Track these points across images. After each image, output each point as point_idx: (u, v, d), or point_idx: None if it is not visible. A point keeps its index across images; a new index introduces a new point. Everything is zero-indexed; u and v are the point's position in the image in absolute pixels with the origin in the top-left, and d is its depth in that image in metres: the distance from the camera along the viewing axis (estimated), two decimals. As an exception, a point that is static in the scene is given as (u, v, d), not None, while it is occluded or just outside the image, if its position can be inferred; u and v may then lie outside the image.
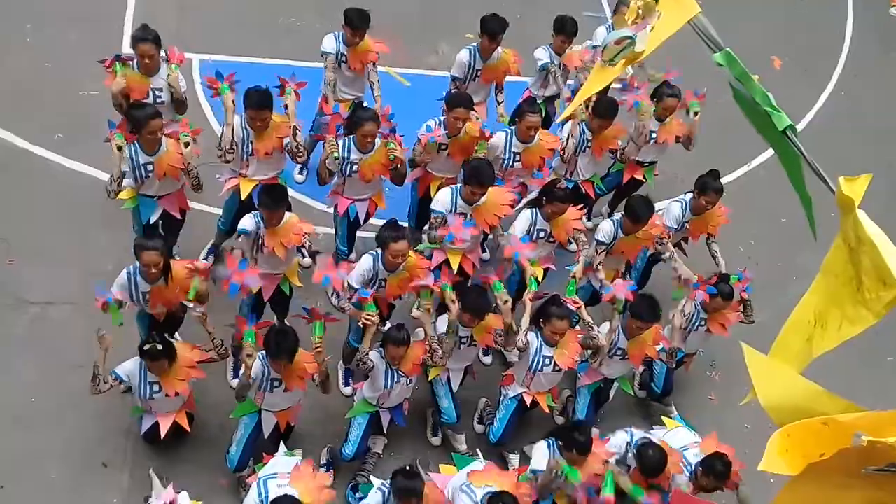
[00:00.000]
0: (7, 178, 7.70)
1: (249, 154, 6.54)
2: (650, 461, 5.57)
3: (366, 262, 6.14)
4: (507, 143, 7.06)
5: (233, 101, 6.37)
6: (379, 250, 6.12)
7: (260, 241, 6.10)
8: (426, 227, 6.80)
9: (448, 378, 6.46)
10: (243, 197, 6.61)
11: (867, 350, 7.02)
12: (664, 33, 2.15)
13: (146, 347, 5.46)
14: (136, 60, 6.62)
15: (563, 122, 7.30)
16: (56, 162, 7.89)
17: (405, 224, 6.50)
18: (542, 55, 7.81)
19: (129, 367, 5.66)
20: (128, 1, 9.22)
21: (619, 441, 6.02)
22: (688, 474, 5.76)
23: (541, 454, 5.77)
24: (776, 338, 1.88)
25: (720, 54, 2.01)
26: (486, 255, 8.02)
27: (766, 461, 1.62)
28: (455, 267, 6.75)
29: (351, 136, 6.61)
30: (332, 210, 7.18)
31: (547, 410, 6.56)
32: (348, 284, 6.00)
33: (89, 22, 8.86)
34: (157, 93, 6.72)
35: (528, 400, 6.44)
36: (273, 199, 5.99)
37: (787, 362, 1.81)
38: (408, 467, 5.22)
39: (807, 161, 1.91)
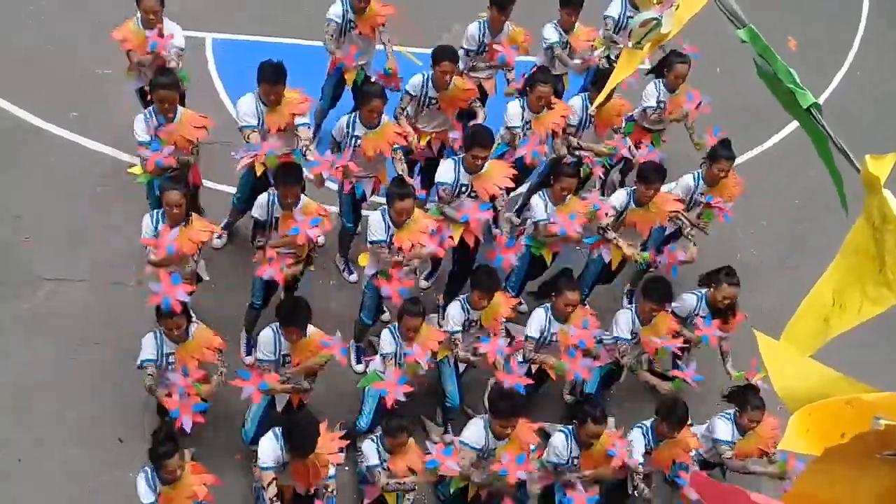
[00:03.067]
0: (21, 156, 7.73)
1: (265, 132, 6.51)
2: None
3: (376, 217, 6.20)
4: (523, 113, 7.06)
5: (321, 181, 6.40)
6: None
7: (273, 222, 6.11)
8: (433, 199, 6.83)
9: (455, 360, 6.48)
10: (258, 174, 6.60)
11: (892, 339, 7.04)
12: (690, 11, 2.14)
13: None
14: (139, 17, 6.70)
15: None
16: (70, 140, 7.91)
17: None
18: (551, 34, 7.77)
19: (148, 343, 5.67)
20: None
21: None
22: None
23: (559, 442, 5.84)
24: (790, 318, 1.88)
25: (744, 31, 2.00)
26: (498, 231, 8.01)
27: (787, 440, 1.62)
28: (457, 239, 6.77)
29: (356, 112, 6.65)
30: (336, 187, 7.18)
31: (554, 377, 6.57)
32: (369, 241, 6.18)
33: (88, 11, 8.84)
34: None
35: (533, 368, 6.44)
36: (288, 177, 6.01)
37: (803, 343, 1.79)
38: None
39: (832, 139, 1.91)
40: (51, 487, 6.02)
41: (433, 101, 7.06)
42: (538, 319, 6.30)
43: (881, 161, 1.68)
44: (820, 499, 1.61)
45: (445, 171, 6.59)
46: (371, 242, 6.20)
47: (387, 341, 5.98)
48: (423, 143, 7.25)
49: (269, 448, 5.30)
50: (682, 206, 6.99)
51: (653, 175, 6.69)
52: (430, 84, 7.00)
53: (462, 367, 6.58)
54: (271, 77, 6.28)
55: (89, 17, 8.65)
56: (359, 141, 6.62)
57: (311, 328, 5.79)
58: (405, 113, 7.07)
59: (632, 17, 6.83)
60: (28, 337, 6.72)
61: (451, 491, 6.01)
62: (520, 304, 7.16)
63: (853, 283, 1.72)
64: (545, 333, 6.31)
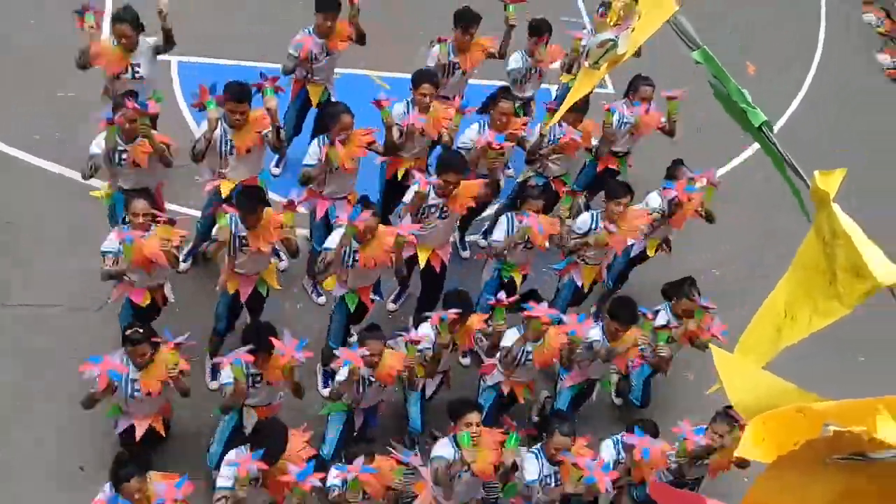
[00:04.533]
0: (9, 169, 7.65)
1: (229, 153, 6.52)
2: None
3: (336, 234, 6.15)
4: (481, 133, 7.09)
5: (216, 119, 6.36)
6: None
7: (237, 242, 6.09)
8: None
9: (423, 385, 6.46)
10: (223, 195, 6.60)
11: (839, 350, 7.16)
12: (644, 33, 2.19)
13: (128, 332, 5.46)
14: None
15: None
16: (34, 165, 7.82)
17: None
18: (514, 62, 7.89)
19: (116, 362, 5.61)
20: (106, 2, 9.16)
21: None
22: None
23: (531, 465, 5.82)
24: (744, 332, 1.92)
25: (698, 52, 2.06)
26: (467, 254, 8.08)
27: (742, 448, 1.66)
28: (423, 262, 6.77)
29: (323, 135, 6.67)
30: (307, 210, 7.14)
31: (522, 401, 6.60)
32: (323, 248, 6.13)
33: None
34: (135, 68, 6.78)
35: (505, 389, 6.47)
36: (249, 201, 6.00)
37: (757, 352, 1.85)
38: None
39: (782, 156, 1.96)
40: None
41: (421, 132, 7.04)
42: (511, 337, 6.28)
43: (830, 176, 1.73)
44: None
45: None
46: (324, 248, 6.14)
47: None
48: (401, 173, 7.22)
49: (231, 465, 5.21)
50: (650, 219, 7.06)
51: (619, 190, 6.77)
52: (412, 110, 6.98)
53: (430, 391, 6.56)
54: (237, 96, 6.28)
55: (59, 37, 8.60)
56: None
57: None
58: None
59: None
60: (13, 354, 6.62)
61: None
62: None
63: (804, 295, 1.77)
64: (520, 354, 6.31)
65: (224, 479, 5.22)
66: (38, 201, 7.56)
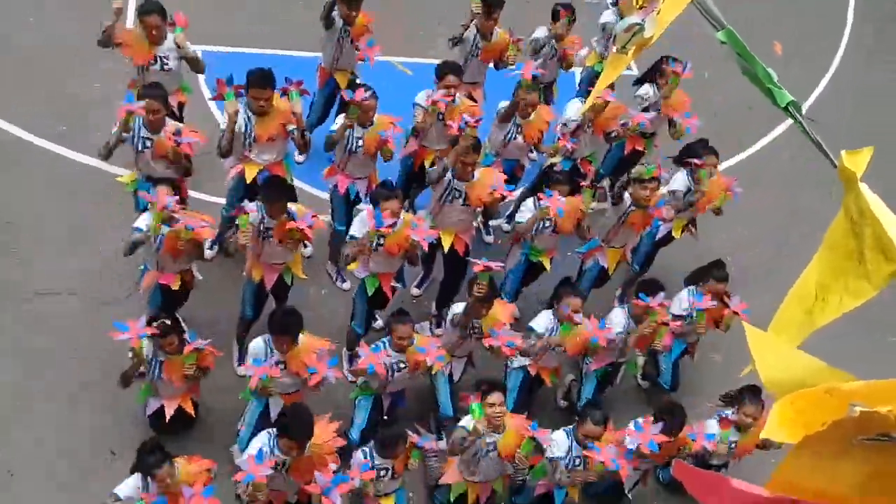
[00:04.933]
0: (9, 169, 7.72)
1: (252, 141, 6.55)
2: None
3: (360, 222, 6.18)
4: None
5: (235, 112, 6.39)
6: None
7: (263, 233, 6.13)
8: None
9: (450, 370, 6.50)
10: (248, 180, 6.64)
11: (869, 330, 7.10)
12: (670, 15, 2.18)
13: (155, 326, 5.54)
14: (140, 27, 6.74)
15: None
16: (58, 153, 7.91)
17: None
18: (539, 31, 7.87)
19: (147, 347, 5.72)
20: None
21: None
22: None
23: (561, 442, 5.86)
24: (777, 310, 1.91)
25: (723, 32, 2.04)
26: (491, 239, 8.08)
27: (768, 429, 1.65)
28: (447, 246, 6.79)
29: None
30: (327, 195, 7.20)
31: (549, 384, 6.63)
32: (349, 237, 6.17)
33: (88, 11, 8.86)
34: (163, 60, 6.84)
35: (532, 372, 6.48)
36: (274, 192, 6.05)
37: (788, 334, 1.84)
38: None
39: (809, 136, 1.95)
40: (41, 502, 5.99)
41: (441, 117, 7.03)
42: (546, 319, 6.34)
43: (857, 156, 1.72)
44: (801, 485, 1.64)
45: (437, 175, 6.62)
46: (350, 237, 6.19)
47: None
48: (428, 162, 7.25)
49: (259, 442, 5.29)
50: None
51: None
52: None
53: (457, 375, 6.59)
54: (259, 82, 6.31)
55: (76, 31, 8.66)
56: (360, 141, 6.68)
57: (303, 337, 5.80)
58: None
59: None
60: (18, 350, 6.70)
61: (452, 499, 6.05)
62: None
63: (835, 276, 1.76)
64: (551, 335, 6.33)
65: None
66: (38, 200, 7.60)
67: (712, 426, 6.18)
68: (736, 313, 6.62)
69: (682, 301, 6.77)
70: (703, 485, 1.80)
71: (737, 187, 7.21)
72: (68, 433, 6.32)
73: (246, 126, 6.48)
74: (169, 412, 5.97)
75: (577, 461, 5.84)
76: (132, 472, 5.16)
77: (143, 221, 5.99)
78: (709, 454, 6.09)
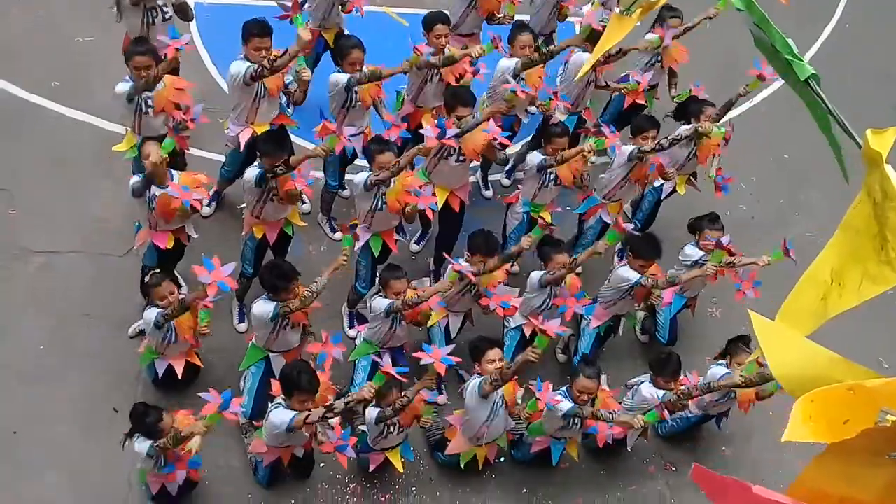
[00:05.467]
0: (5, 128, 7.62)
1: (262, 96, 6.48)
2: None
3: (363, 174, 6.16)
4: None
5: (308, 40, 6.15)
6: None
7: (267, 194, 6.08)
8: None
9: (447, 325, 6.50)
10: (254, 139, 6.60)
11: (890, 322, 7.08)
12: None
13: (148, 278, 5.60)
14: None
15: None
16: (53, 110, 7.80)
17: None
18: None
19: (149, 315, 5.73)
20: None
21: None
22: None
23: (563, 402, 5.85)
24: (787, 297, 1.82)
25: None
26: (489, 194, 8.04)
27: (791, 430, 1.55)
28: (441, 202, 6.73)
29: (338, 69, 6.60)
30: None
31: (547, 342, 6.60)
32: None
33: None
34: (164, 9, 6.80)
35: (528, 331, 6.48)
36: (273, 145, 5.98)
37: (800, 323, 1.74)
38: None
39: (831, 113, 1.88)
40: (45, 459, 6.03)
41: (436, 74, 6.92)
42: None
43: (882, 136, 1.65)
44: (825, 492, 1.60)
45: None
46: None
47: (381, 303, 5.97)
48: (426, 122, 7.04)
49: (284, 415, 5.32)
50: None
51: (645, 123, 6.70)
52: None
53: (454, 331, 6.59)
54: (258, 31, 6.23)
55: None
56: (356, 95, 6.61)
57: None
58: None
59: None
60: (21, 310, 6.70)
61: (462, 464, 6.12)
62: (512, 266, 7.14)
63: (853, 261, 1.68)
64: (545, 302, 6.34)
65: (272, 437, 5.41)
66: (34, 158, 7.55)
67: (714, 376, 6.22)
68: (745, 293, 6.52)
69: (692, 254, 6.75)
70: (722, 490, 1.73)
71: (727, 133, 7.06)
72: (76, 384, 6.35)
73: (258, 84, 6.39)
74: (179, 370, 5.98)
75: (576, 419, 5.89)
76: (130, 436, 5.26)
77: (137, 181, 5.94)
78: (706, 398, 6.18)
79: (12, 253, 6.98)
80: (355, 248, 6.35)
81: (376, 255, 6.51)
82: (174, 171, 6.00)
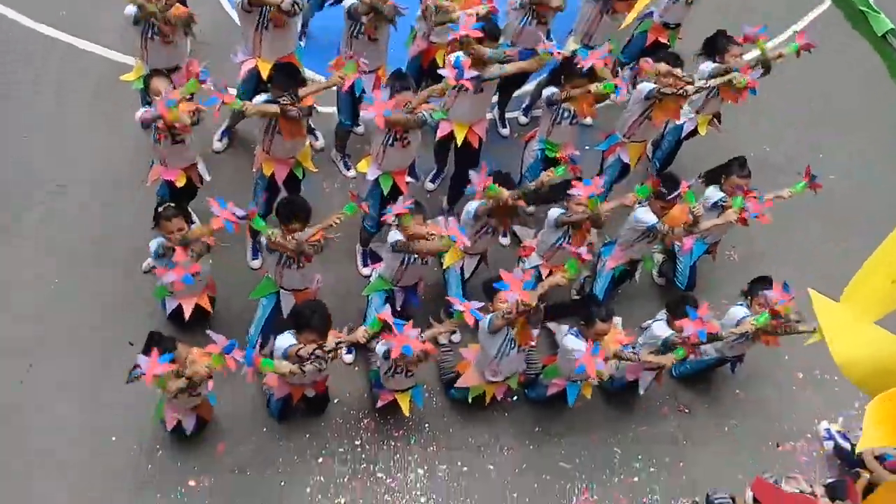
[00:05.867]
0: (14, 58, 7.46)
1: (265, 26, 6.34)
2: None
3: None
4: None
5: None
6: None
7: (273, 124, 5.95)
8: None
9: (462, 266, 6.45)
10: (265, 76, 6.44)
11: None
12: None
13: (160, 209, 5.53)
14: None
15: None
16: (62, 40, 7.63)
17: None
18: None
19: (152, 245, 5.70)
20: None
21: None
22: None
23: (575, 343, 5.84)
24: (852, 279, 1.68)
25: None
26: (506, 132, 7.92)
27: (866, 437, 1.45)
28: (460, 139, 6.62)
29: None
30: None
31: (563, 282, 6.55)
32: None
33: None
34: None
35: (544, 273, 6.43)
36: (285, 77, 5.86)
37: (867, 306, 1.61)
38: None
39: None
40: (58, 392, 6.06)
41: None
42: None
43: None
44: None
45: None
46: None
47: (392, 236, 5.91)
48: (440, 59, 6.88)
49: (285, 341, 5.30)
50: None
51: (672, 60, 6.51)
52: None
53: (468, 272, 6.54)
54: None
55: None
56: (363, 26, 6.48)
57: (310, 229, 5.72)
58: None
59: None
60: (35, 242, 6.68)
61: (470, 398, 6.13)
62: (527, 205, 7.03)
63: None
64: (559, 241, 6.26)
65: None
66: (56, 80, 7.43)
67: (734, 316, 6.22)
68: (761, 215, 6.39)
69: (712, 195, 6.65)
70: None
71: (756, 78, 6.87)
72: (91, 318, 6.36)
73: (261, 13, 6.26)
74: (188, 311, 5.97)
75: None
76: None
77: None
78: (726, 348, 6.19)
79: (26, 184, 6.92)
80: (367, 177, 6.30)
81: (385, 193, 6.40)
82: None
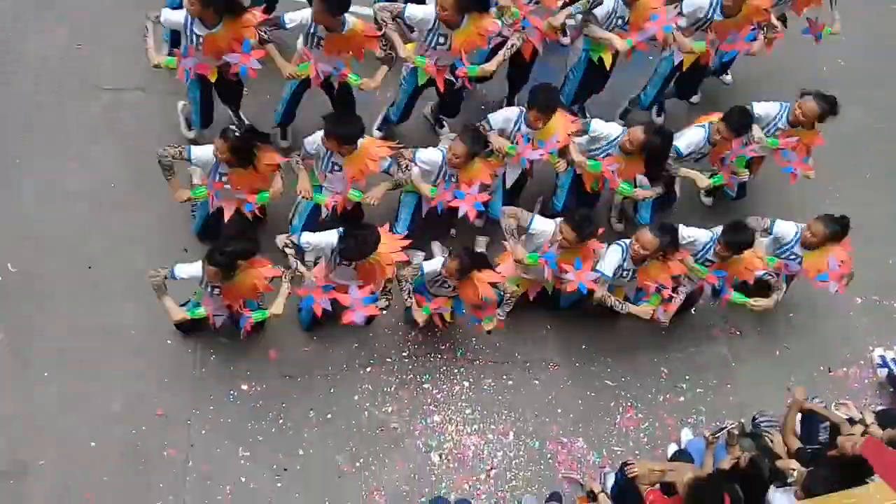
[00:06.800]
0: (14, 58, 7.29)
1: None
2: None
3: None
4: None
5: None
6: None
7: (314, 41, 5.93)
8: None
9: (504, 174, 6.38)
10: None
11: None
12: None
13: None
14: None
15: None
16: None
17: None
18: None
19: (200, 154, 5.69)
20: None
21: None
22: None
23: (612, 257, 5.80)
24: None
25: None
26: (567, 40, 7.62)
27: None
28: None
29: None
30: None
31: (588, 189, 6.46)
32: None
33: None
34: None
35: (578, 170, 6.32)
36: None
37: None
38: None
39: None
40: (124, 291, 6.16)
41: None
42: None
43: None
44: None
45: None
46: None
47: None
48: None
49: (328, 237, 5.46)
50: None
51: None
52: None
53: (510, 182, 6.45)
54: None
55: None
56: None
57: (364, 140, 5.76)
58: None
59: None
60: (91, 146, 6.73)
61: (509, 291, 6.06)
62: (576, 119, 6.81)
63: None
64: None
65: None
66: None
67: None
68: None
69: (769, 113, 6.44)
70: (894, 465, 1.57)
71: None
72: (147, 222, 6.43)
73: None
74: (227, 214, 5.89)
75: (626, 272, 5.86)
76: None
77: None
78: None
79: (81, 89, 6.96)
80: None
81: (419, 84, 6.35)
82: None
